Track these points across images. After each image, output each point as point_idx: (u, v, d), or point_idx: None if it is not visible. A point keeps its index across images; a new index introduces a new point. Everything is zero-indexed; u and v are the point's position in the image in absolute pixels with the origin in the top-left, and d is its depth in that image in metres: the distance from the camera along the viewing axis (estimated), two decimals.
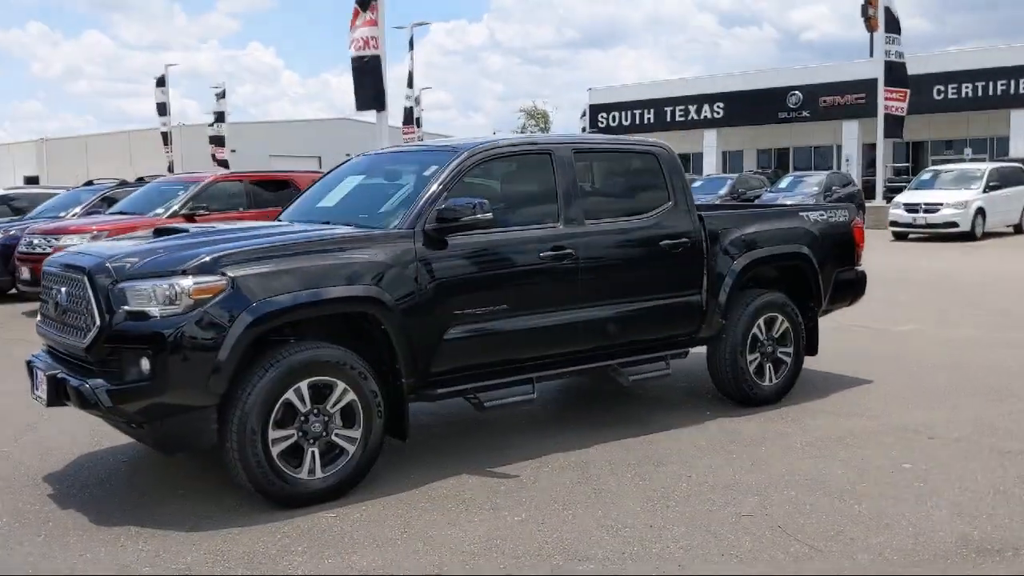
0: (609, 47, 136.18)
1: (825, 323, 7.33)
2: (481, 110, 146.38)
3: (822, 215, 7.28)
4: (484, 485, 5.21)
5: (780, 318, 6.90)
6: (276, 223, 6.21)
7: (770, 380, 6.89)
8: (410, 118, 38.44)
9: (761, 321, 6.80)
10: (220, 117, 49.52)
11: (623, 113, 47.70)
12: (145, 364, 4.56)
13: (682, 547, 4.33)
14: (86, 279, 4.78)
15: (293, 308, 4.79)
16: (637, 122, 47.21)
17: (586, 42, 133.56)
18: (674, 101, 45.93)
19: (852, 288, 7.53)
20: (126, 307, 4.62)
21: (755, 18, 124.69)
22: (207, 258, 4.71)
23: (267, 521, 4.68)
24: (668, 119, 46.11)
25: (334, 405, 4.92)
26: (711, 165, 44.57)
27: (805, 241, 7.05)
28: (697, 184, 28.59)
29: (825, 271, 7.17)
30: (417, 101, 52.97)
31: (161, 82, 45.90)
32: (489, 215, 5.27)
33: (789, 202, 24.75)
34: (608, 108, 48.19)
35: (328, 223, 5.76)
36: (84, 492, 5.27)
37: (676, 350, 6.51)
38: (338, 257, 5.03)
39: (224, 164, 49.68)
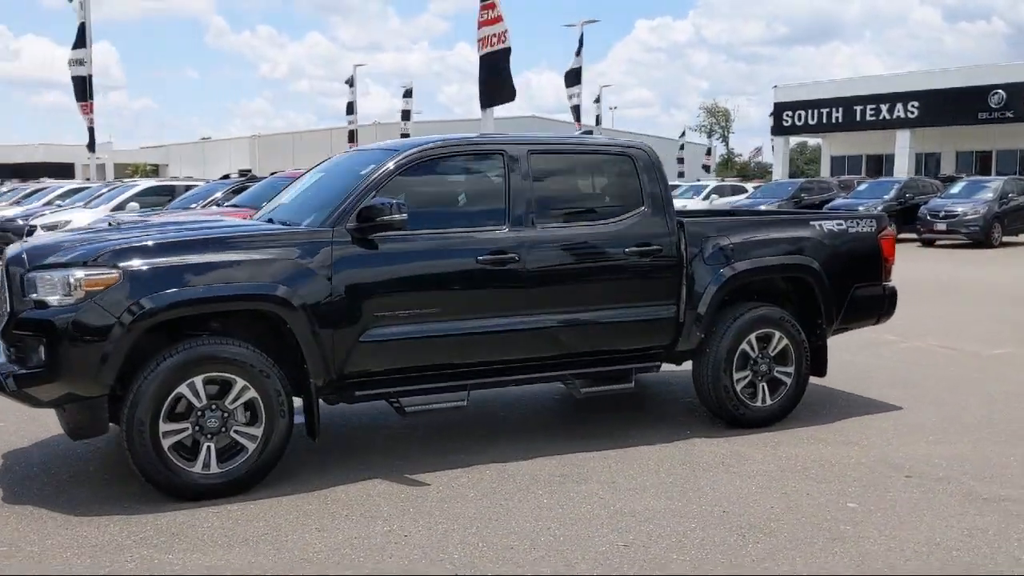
0: (822, 43, 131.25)
1: (905, 344, 6.63)
2: (684, 107, 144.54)
3: (839, 225, 6.68)
4: (389, 492, 5.11)
5: (777, 335, 6.39)
6: (208, 218, 6.35)
7: (763, 401, 6.39)
8: (578, 116, 38.21)
9: (753, 337, 6.32)
10: (406, 115, 51.20)
11: (809, 112, 45.67)
12: (42, 351, 4.76)
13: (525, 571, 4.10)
14: (4, 267, 5.04)
15: (181, 303, 4.86)
16: (824, 121, 45.12)
17: (797, 38, 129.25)
18: (864, 100, 43.52)
19: (876, 305, 6.88)
20: (34, 295, 4.83)
21: (983, 11, 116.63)
22: (106, 251, 4.86)
23: (151, 512, 4.78)
24: (857, 118, 43.78)
25: (233, 401, 4.97)
26: (903, 168, 41.93)
27: (811, 252, 6.49)
28: (862, 188, 26.98)
29: (838, 286, 6.58)
30: (598, 99, 53.11)
31: (350, 82, 47.92)
32: (403, 216, 5.16)
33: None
34: (794, 107, 46.27)
35: (271, 221, 5.82)
36: None
37: (646, 364, 6.16)
38: (244, 254, 5.06)
39: None
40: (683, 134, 73.77)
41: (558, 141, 6.14)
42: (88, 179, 35.23)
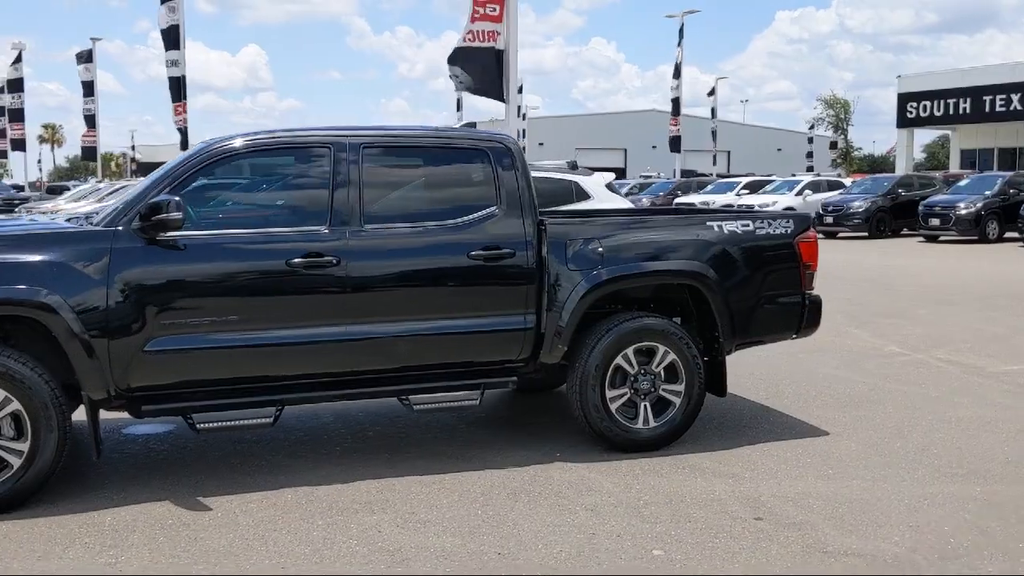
0: (975, 31, 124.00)
1: (905, 358, 5.72)
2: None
3: (745, 226, 5.89)
4: (158, 516, 4.67)
5: (663, 349, 5.67)
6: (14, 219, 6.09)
7: (646, 422, 5.69)
8: (677, 109, 37.12)
9: (631, 351, 5.62)
10: (517, 111, 50.94)
11: (935, 103, 42.94)
12: None
13: None
14: None
15: None
16: (951, 112, 42.36)
17: (948, 26, 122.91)
18: (995, 89, 40.55)
19: (790, 318, 6.04)
20: None
21: None
22: None
23: None
24: (987, 109, 40.86)
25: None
26: None
27: (703, 257, 5.73)
28: (963, 183, 25.02)
29: (741, 295, 5.81)
30: (712, 92, 51.51)
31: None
32: (178, 215, 4.73)
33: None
34: (919, 97, 43.63)
35: (88, 218, 5.49)
36: None
37: (499, 379, 5.55)
38: (11, 255, 4.73)
39: None
40: (812, 127, 70.99)
41: (399, 134, 5.55)
42: None
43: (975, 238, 22.74)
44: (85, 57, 40.87)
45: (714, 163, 51.82)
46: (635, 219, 6.10)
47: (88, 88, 40.92)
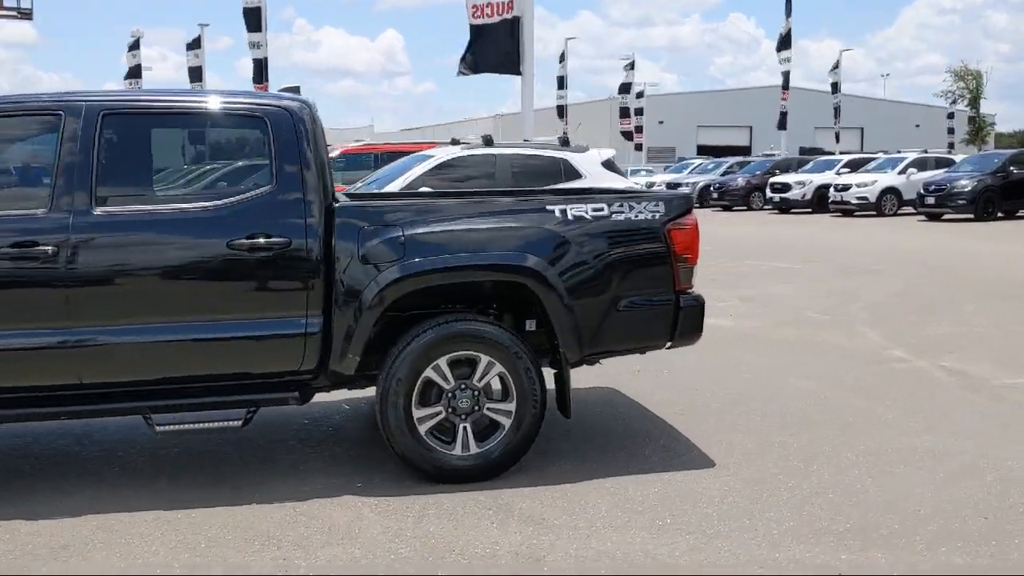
0: None
1: (902, 365, 4.65)
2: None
3: (596, 211, 4.78)
4: None
5: (485, 359, 4.65)
6: None
7: (465, 448, 4.69)
8: (787, 83, 35.03)
9: (444, 361, 4.63)
10: (625, 88, 49.36)
11: None
12: None
13: None
14: None
15: None
16: None
17: None
18: None
19: (659, 323, 4.89)
20: None
21: None
22: None
23: None
24: None
25: None
26: None
27: (535, 248, 4.66)
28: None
29: (589, 295, 4.72)
30: (836, 66, 48.53)
31: (562, 58, 46.98)
32: None
33: None
34: None
35: None
36: None
37: (275, 394, 4.64)
38: None
39: (628, 136, 49.61)
40: (953, 102, 66.31)
41: (150, 98, 4.65)
42: None
43: None
44: (194, 44, 41.67)
45: (836, 140, 48.79)
46: (455, 203, 5.05)
47: (195, 74, 41.69)
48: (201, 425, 4.48)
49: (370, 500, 4.50)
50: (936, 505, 4.37)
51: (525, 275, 4.63)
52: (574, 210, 4.75)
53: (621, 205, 4.81)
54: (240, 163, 4.67)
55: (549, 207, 4.76)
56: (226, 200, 4.51)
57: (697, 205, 32.43)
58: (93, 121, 4.40)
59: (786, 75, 35.39)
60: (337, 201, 4.68)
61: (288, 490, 4.64)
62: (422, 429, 4.63)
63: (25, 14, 42.37)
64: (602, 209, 4.78)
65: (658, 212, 4.84)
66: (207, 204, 4.50)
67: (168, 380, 4.50)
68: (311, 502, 4.48)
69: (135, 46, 43.28)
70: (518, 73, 13.09)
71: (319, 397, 5.09)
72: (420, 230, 4.61)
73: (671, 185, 35.16)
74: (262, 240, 4.44)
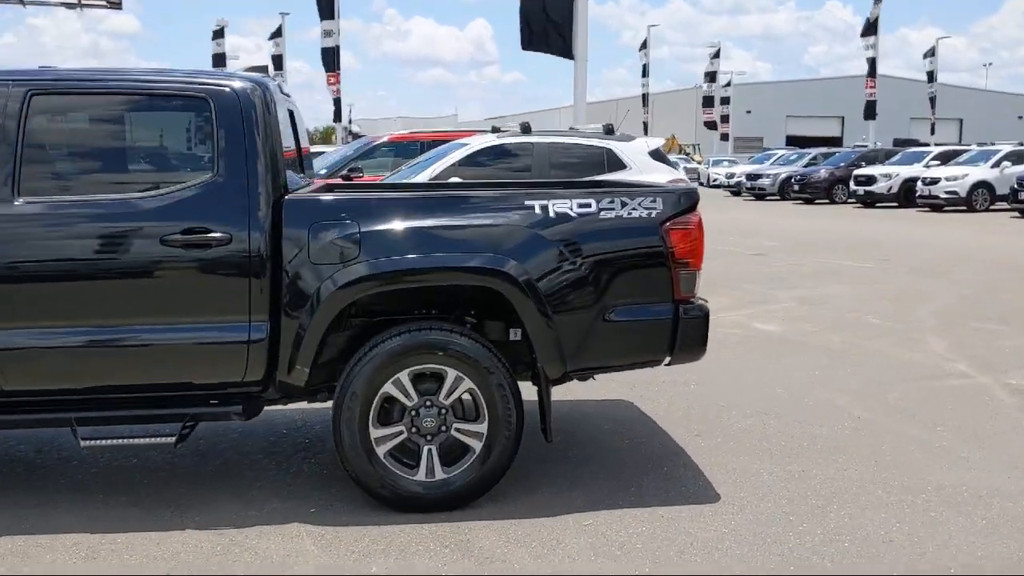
0: None
1: (970, 383, 4.09)
2: None
3: (583, 208, 4.19)
4: None
5: (453, 373, 4.11)
6: None
7: (429, 473, 4.15)
8: (873, 70, 33.52)
9: (405, 376, 4.10)
10: (711, 77, 48.23)
11: None
12: None
13: None
14: None
15: None
16: None
17: None
18: None
19: (655, 336, 4.28)
20: None
21: None
22: None
23: None
24: None
25: None
26: None
27: (509, 248, 4.09)
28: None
29: (569, 303, 4.14)
30: (932, 52, 46.43)
31: (643, 45, 46.06)
32: None
33: None
34: None
35: None
36: None
37: (215, 408, 4.17)
38: None
39: (711, 125, 48.44)
40: None
41: (85, 78, 4.17)
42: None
43: None
44: (276, 32, 41.90)
45: (931, 132, 46.71)
46: (422, 196, 4.50)
47: (277, 62, 41.92)
48: (130, 441, 4.04)
49: (317, 530, 4.01)
50: (969, 562, 3.68)
51: (496, 279, 4.07)
52: (557, 206, 4.17)
53: (612, 201, 4.21)
54: (181, 149, 4.21)
55: (528, 202, 4.19)
56: (161, 191, 4.06)
57: (777, 198, 31.65)
58: (20, 103, 3.98)
59: (871, 62, 33.90)
60: (289, 193, 4.17)
61: (232, 514, 4.17)
62: (380, 451, 4.12)
63: (114, 4, 43.23)
64: (589, 205, 4.19)
65: (654, 209, 4.23)
66: (140, 195, 4.06)
67: (98, 389, 4.07)
68: (251, 530, 4.01)
69: (220, 34, 43.72)
70: (569, 56, 12.48)
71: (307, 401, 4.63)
72: (377, 227, 4.08)
73: (751, 176, 34.04)
74: (199, 236, 3.97)
